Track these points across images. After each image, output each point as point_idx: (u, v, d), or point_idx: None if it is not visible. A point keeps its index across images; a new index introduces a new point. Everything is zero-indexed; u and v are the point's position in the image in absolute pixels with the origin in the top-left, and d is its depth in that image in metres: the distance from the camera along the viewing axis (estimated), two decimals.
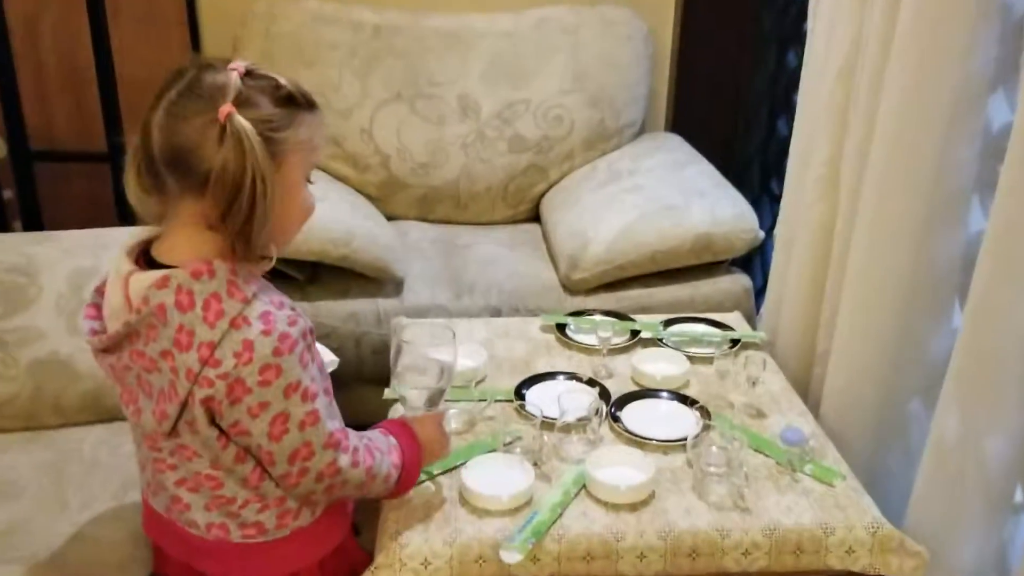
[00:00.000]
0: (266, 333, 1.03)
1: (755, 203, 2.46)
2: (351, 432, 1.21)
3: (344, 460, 1.15)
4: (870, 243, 1.57)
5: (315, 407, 1.09)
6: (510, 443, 1.47)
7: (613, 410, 1.57)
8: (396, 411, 1.58)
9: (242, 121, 1.01)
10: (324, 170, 2.55)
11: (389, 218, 2.59)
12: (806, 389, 1.82)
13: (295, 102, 1.07)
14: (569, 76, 2.61)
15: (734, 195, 2.33)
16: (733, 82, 2.82)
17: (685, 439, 1.47)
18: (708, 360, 1.75)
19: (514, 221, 2.69)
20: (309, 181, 1.13)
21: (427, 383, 1.39)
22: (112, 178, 2.72)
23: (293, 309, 1.09)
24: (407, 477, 1.27)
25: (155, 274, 1.05)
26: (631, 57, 2.66)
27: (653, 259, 2.19)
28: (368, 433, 1.26)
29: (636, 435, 1.51)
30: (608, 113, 2.65)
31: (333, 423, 1.14)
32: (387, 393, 1.64)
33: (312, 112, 1.09)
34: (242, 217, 1.01)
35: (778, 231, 2.02)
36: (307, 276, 2.23)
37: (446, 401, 1.42)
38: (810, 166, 1.79)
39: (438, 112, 2.59)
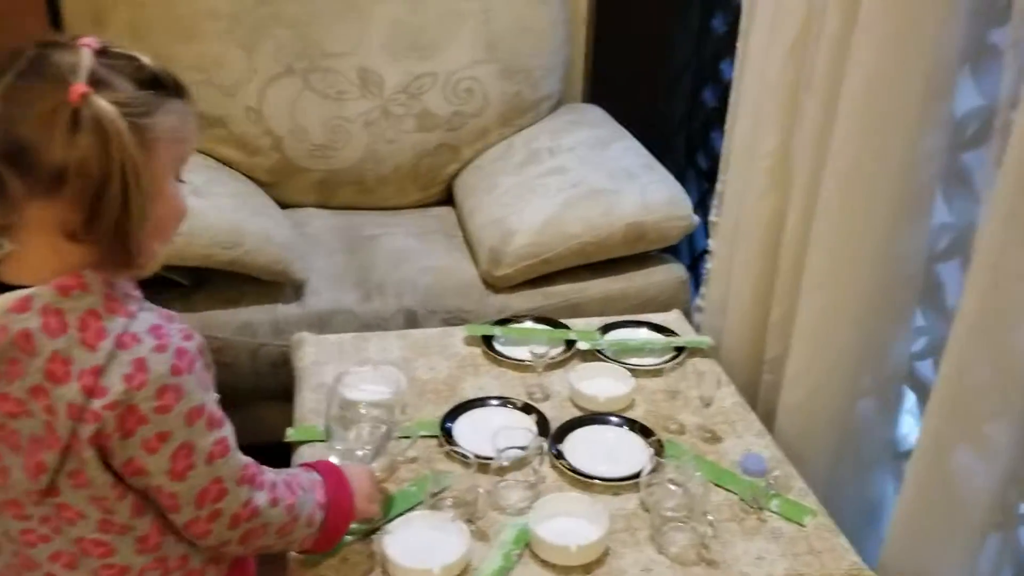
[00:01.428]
0: (160, 349, 0.88)
1: (680, 177, 2.29)
2: (264, 467, 1.03)
3: (261, 498, 0.99)
4: (832, 242, 1.41)
5: (223, 435, 0.94)
6: (438, 493, 1.26)
7: (554, 444, 1.38)
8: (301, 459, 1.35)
9: (102, 103, 0.85)
10: (208, 155, 2.26)
11: (284, 206, 2.33)
12: (755, 397, 1.67)
13: (161, 84, 0.91)
14: (481, 45, 2.37)
15: (664, 176, 2.15)
16: (654, 48, 2.63)
17: (637, 475, 1.30)
18: (654, 372, 1.58)
19: (425, 205, 2.46)
20: (180, 179, 0.97)
21: (368, 438, 1.19)
22: None
23: (182, 322, 0.93)
24: (334, 520, 1.09)
25: (10, 296, 0.87)
26: (547, 22, 2.44)
27: (582, 251, 2.00)
28: (285, 470, 1.09)
29: (582, 474, 1.32)
30: (525, 85, 2.42)
31: (242, 455, 0.99)
32: (291, 434, 1.40)
33: (181, 99, 0.93)
34: (112, 218, 0.85)
35: (718, 221, 1.85)
36: (193, 281, 1.96)
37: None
38: (756, 155, 1.62)
39: (336, 87, 2.31)
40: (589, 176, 2.13)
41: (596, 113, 2.53)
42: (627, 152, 2.26)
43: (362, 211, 2.39)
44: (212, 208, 1.91)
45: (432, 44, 2.35)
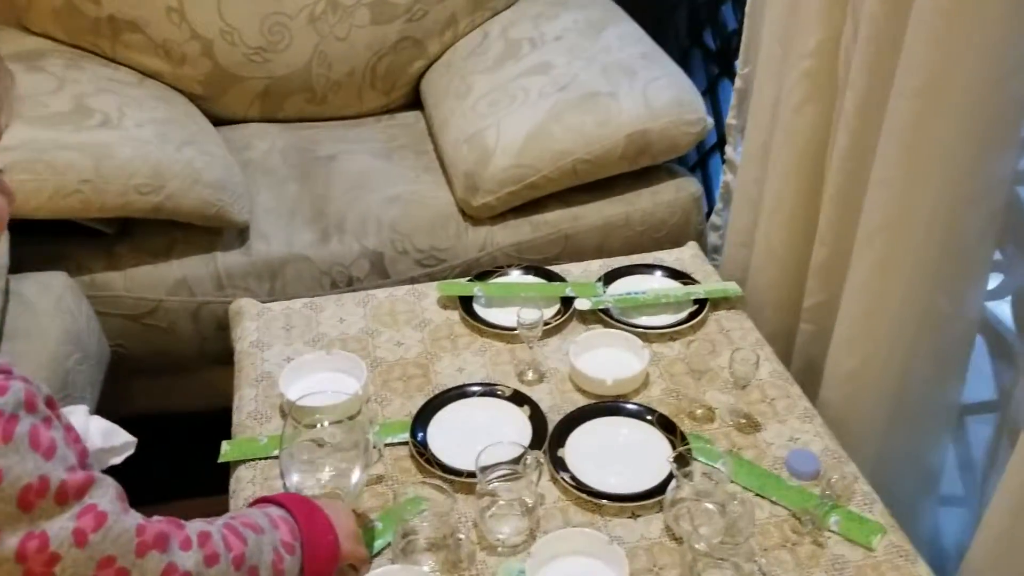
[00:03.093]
0: None
1: (683, 61, 1.94)
2: (186, 522, 0.79)
3: (188, 560, 0.76)
4: (899, 173, 1.10)
5: (89, 502, 0.71)
6: (408, 537, 0.99)
7: (553, 449, 1.10)
8: (242, 489, 1.08)
9: None
10: (129, 66, 1.89)
11: (225, 122, 1.98)
12: (787, 349, 1.39)
13: None
14: None
15: (669, 69, 1.80)
16: None
17: (659, 490, 1.03)
18: (672, 335, 1.29)
19: (388, 111, 2.10)
20: None
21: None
22: None
23: (4, 372, 0.70)
24: (314, 562, 0.84)
25: None
26: None
27: (574, 171, 1.68)
28: (228, 514, 0.85)
29: (590, 491, 1.06)
30: None
31: (134, 516, 0.75)
32: (225, 452, 1.13)
33: None
34: None
35: (736, 125, 1.52)
36: (116, 229, 1.64)
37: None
38: (792, 52, 1.28)
39: None
40: (580, 74, 1.78)
41: None
42: (623, 40, 1.90)
43: (316, 124, 2.05)
44: (126, 143, 1.57)
45: None
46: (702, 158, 2.14)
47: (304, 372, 1.20)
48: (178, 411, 1.73)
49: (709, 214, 1.80)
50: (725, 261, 1.58)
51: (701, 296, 1.35)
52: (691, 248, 1.50)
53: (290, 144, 1.94)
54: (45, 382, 1.30)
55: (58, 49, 1.86)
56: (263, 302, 1.43)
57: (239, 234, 1.67)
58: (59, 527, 0.68)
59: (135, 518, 0.74)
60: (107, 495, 0.72)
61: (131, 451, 0.98)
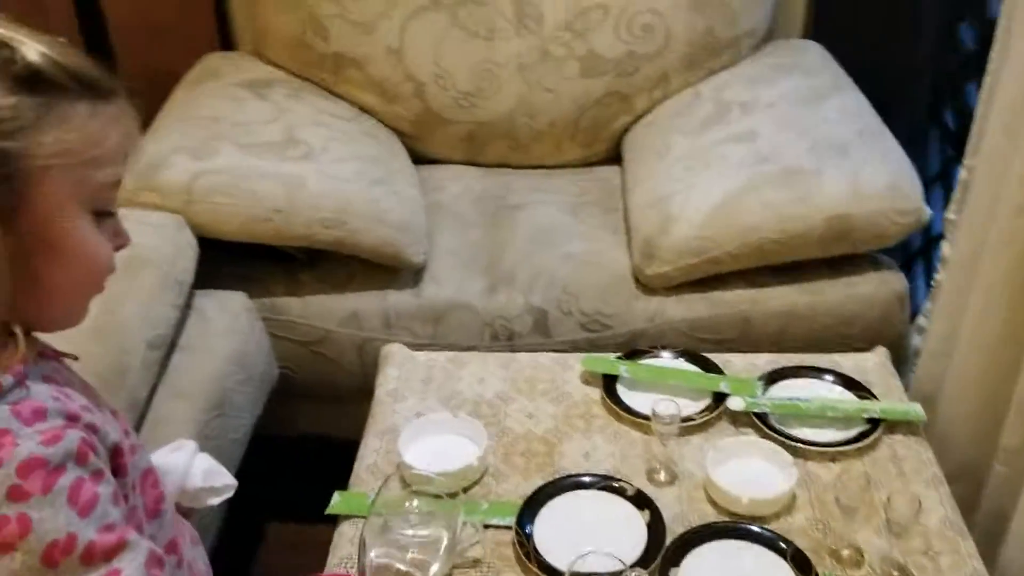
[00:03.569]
0: None
1: (918, 139, 1.75)
2: None
3: None
4: None
5: (115, 567, 0.68)
6: None
7: (666, 567, 1.00)
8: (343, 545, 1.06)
9: None
10: (347, 100, 1.98)
11: (430, 161, 2.02)
12: (975, 493, 1.19)
13: (49, 84, 0.66)
14: None
15: (888, 149, 1.63)
16: None
17: None
18: (831, 456, 1.14)
19: (588, 163, 2.06)
20: (108, 213, 0.73)
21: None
22: None
23: (71, 419, 0.68)
24: None
25: None
26: None
27: (762, 250, 1.55)
28: None
29: None
30: (719, 19, 1.93)
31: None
32: (335, 505, 1.12)
33: (90, 101, 0.68)
34: None
35: (955, 220, 1.34)
36: (307, 256, 1.71)
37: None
38: (1020, 146, 1.10)
39: (487, 23, 1.94)
40: (785, 148, 1.65)
41: (813, 54, 2.00)
42: (844, 113, 1.74)
43: (514, 170, 2.04)
44: (320, 178, 1.64)
45: None
46: (924, 249, 1.92)
47: (427, 432, 1.17)
48: (340, 437, 1.77)
49: (916, 314, 1.60)
50: (919, 371, 1.39)
51: (876, 415, 1.19)
52: (879, 355, 1.33)
53: (484, 189, 1.94)
54: (204, 397, 1.38)
55: (286, 80, 1.98)
56: (421, 346, 1.42)
57: (414, 275, 1.69)
58: None
59: None
60: (135, 561, 0.69)
61: (230, 494, 0.99)
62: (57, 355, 0.77)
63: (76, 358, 0.79)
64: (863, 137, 1.66)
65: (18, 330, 0.68)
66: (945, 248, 1.52)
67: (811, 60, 1.97)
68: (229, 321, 1.53)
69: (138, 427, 1.32)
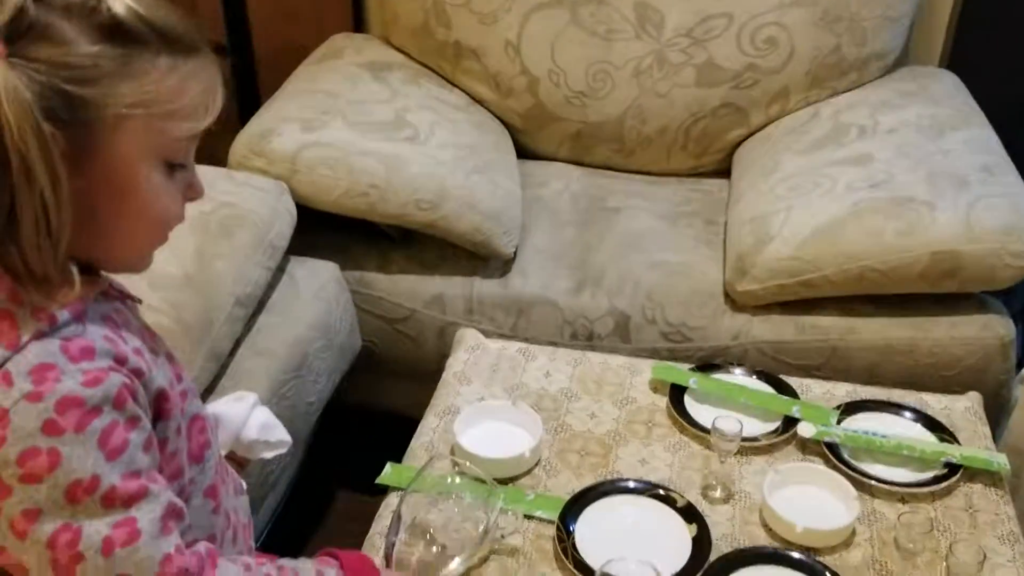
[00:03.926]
0: (33, 398, 0.66)
1: None
2: (238, 559, 0.78)
3: None
4: None
5: (130, 515, 0.69)
6: None
7: None
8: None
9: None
10: (462, 89, 2.00)
11: (535, 157, 2.03)
12: None
13: (131, 36, 0.68)
14: None
15: (1011, 187, 1.54)
16: None
17: None
18: (900, 496, 1.08)
19: (697, 174, 2.02)
20: (179, 165, 0.73)
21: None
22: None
23: (118, 361, 0.70)
24: None
25: None
26: None
27: (861, 278, 1.48)
28: (284, 560, 0.82)
29: None
30: (847, 38, 1.87)
31: (170, 540, 0.72)
32: (385, 475, 1.13)
33: (171, 55, 0.69)
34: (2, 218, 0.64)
35: None
36: (400, 236, 1.74)
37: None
38: None
39: (607, 23, 1.93)
40: (900, 175, 1.58)
41: (946, 84, 1.91)
42: (968, 146, 1.65)
43: (620, 173, 2.02)
44: (421, 160, 1.66)
45: None
46: None
47: (485, 417, 1.18)
48: (415, 416, 1.80)
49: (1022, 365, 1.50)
50: (1013, 424, 1.31)
51: (955, 460, 1.12)
52: (970, 400, 1.26)
53: (584, 189, 1.93)
54: (285, 359, 1.42)
55: (407, 64, 2.01)
56: (498, 336, 1.43)
57: (502, 265, 1.70)
58: (94, 530, 0.68)
59: (169, 544, 0.71)
60: (152, 513, 0.70)
61: (284, 450, 1.01)
62: (122, 296, 0.78)
63: (140, 301, 0.81)
64: (986, 172, 1.57)
65: (74, 268, 0.69)
66: None
67: (942, 89, 1.88)
68: (317, 289, 1.57)
69: (218, 379, 1.37)
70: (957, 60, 2.04)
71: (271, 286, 1.53)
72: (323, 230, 1.70)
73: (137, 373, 0.71)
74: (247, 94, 2.36)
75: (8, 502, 0.66)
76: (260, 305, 1.49)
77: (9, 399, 0.66)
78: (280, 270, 1.56)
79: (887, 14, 1.87)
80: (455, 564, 0.91)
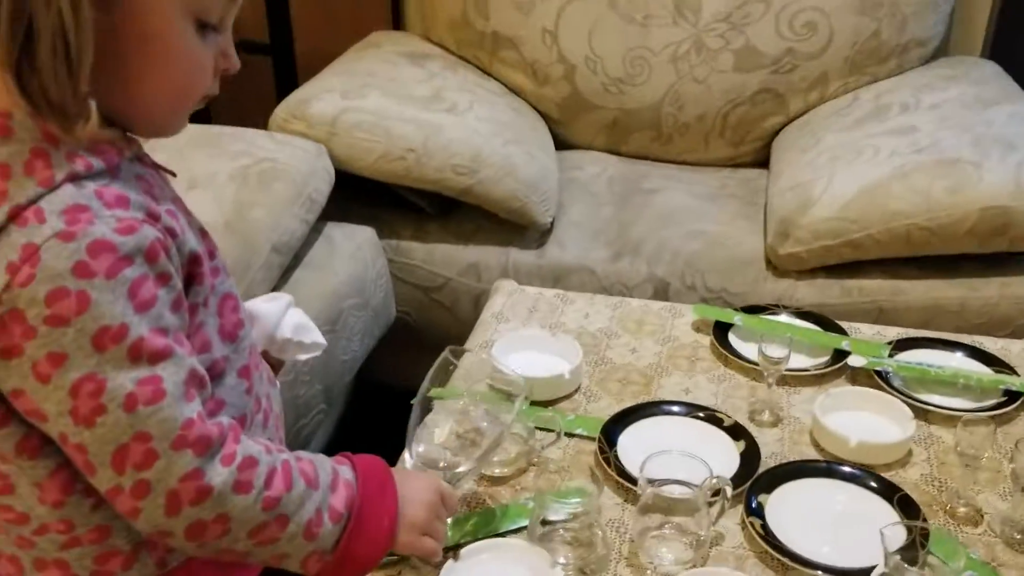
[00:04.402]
0: (65, 237, 0.63)
1: None
2: (259, 441, 0.74)
3: (218, 476, 0.69)
4: None
5: (156, 372, 0.66)
6: (555, 523, 0.88)
7: (753, 495, 0.92)
8: None
9: None
10: (497, 78, 2.01)
11: (571, 147, 2.02)
12: None
13: None
14: None
15: None
16: None
17: (869, 570, 0.81)
18: (954, 422, 1.03)
19: (734, 164, 2.01)
20: (211, 26, 0.70)
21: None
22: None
23: (151, 216, 0.67)
24: (354, 544, 0.75)
25: None
26: None
27: (908, 237, 1.45)
28: (302, 452, 0.78)
29: (781, 549, 0.86)
30: (887, 23, 1.86)
31: (193, 406, 0.69)
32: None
33: None
34: (12, 35, 0.61)
35: None
36: (437, 210, 1.73)
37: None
38: None
39: (644, 10, 1.94)
40: (945, 140, 1.55)
41: (987, 70, 1.89)
42: (1013, 118, 1.63)
43: (655, 162, 2.01)
44: (458, 127, 1.67)
45: None
46: None
47: (523, 346, 1.15)
48: None
49: None
50: None
51: (1015, 388, 1.07)
52: None
53: (620, 173, 1.92)
54: (319, 312, 1.40)
55: (444, 56, 2.04)
56: None
57: (539, 236, 1.69)
58: (119, 383, 0.66)
59: (191, 410, 0.69)
60: (177, 375, 0.68)
61: (318, 352, 0.99)
62: (156, 166, 0.76)
63: (175, 174, 0.78)
64: None
65: (92, 103, 0.66)
66: None
67: (984, 73, 1.86)
68: (353, 249, 1.56)
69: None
70: (999, 52, 2.02)
71: (308, 244, 1.52)
72: (360, 202, 1.70)
73: (171, 232, 0.69)
74: (288, 93, 2.39)
75: (32, 343, 0.64)
76: (297, 260, 1.49)
77: (40, 235, 0.63)
78: (317, 232, 1.56)
79: (925, 1, 1.87)
80: (464, 467, 0.87)
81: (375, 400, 1.68)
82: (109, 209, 0.65)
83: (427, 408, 0.92)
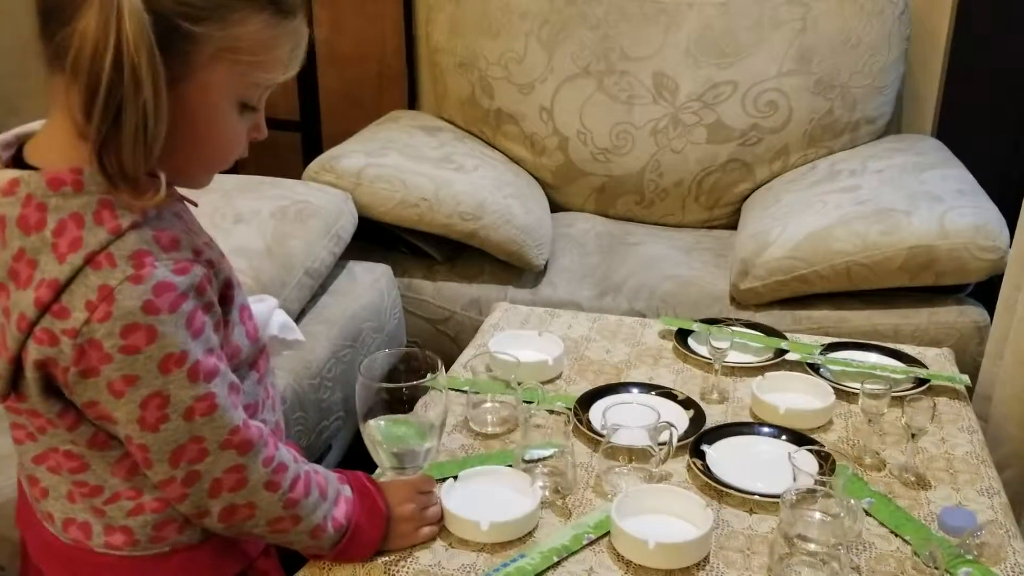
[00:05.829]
0: (135, 280, 0.75)
1: None
2: (290, 451, 0.90)
3: (256, 472, 0.85)
4: None
5: (210, 389, 0.80)
6: (533, 461, 1.09)
7: (699, 443, 1.14)
8: None
9: None
10: (500, 150, 2.30)
11: (565, 209, 2.29)
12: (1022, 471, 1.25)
13: None
14: (792, 55, 2.15)
15: (982, 203, 1.76)
16: None
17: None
18: (872, 395, 1.25)
19: (709, 226, 2.26)
20: (252, 107, 0.82)
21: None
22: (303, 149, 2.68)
23: (196, 254, 0.81)
24: (353, 547, 0.94)
25: (5, 175, 0.77)
26: (877, 36, 2.14)
27: (848, 273, 1.69)
28: (319, 466, 0.94)
29: (716, 480, 1.07)
30: (840, 103, 2.14)
31: (239, 414, 0.84)
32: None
33: (272, 14, 0.78)
34: (103, 118, 0.72)
35: (1014, 243, 1.45)
36: (444, 257, 1.98)
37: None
38: None
39: (628, 91, 2.24)
40: (883, 195, 1.81)
41: (931, 145, 2.16)
42: (946, 179, 1.89)
43: (639, 223, 2.27)
44: (464, 181, 1.93)
45: (738, 51, 2.17)
46: None
47: (514, 344, 1.37)
48: None
49: None
50: (981, 376, 1.47)
51: (922, 376, 1.29)
52: (943, 351, 1.43)
53: (607, 230, 2.18)
54: (342, 329, 1.63)
55: (454, 129, 2.33)
56: None
57: (534, 277, 1.93)
58: (180, 399, 0.78)
59: (239, 417, 0.82)
60: (223, 388, 0.80)
61: (299, 348, 1.14)
62: (181, 198, 0.85)
63: (196, 204, 0.87)
64: (960, 194, 1.79)
65: (162, 176, 0.76)
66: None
67: (927, 146, 2.13)
68: (372, 280, 1.80)
69: None
70: (944, 130, 2.30)
71: (333, 276, 1.76)
72: (378, 251, 1.95)
73: (211, 264, 0.81)
74: None
75: (108, 367, 0.75)
76: (323, 288, 1.73)
77: (114, 278, 0.74)
78: (341, 267, 1.81)
79: (874, 84, 2.15)
80: (428, 443, 1.05)
81: None
82: (167, 252, 0.77)
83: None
